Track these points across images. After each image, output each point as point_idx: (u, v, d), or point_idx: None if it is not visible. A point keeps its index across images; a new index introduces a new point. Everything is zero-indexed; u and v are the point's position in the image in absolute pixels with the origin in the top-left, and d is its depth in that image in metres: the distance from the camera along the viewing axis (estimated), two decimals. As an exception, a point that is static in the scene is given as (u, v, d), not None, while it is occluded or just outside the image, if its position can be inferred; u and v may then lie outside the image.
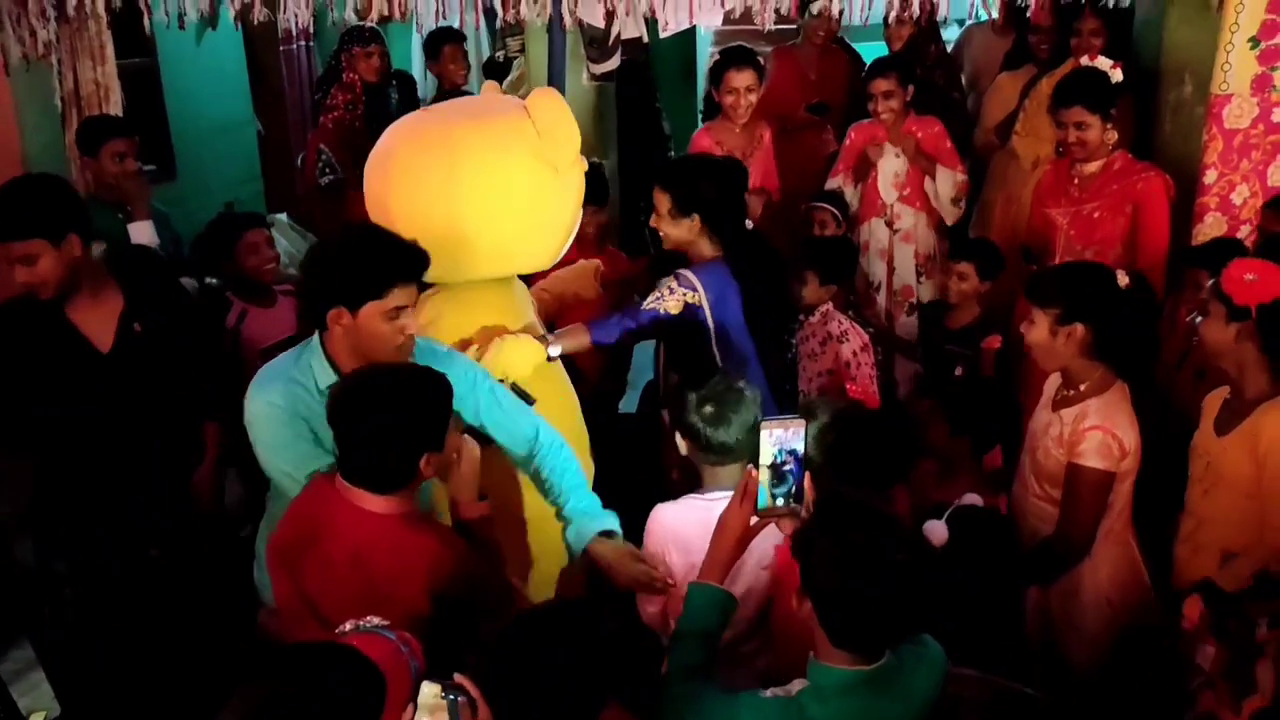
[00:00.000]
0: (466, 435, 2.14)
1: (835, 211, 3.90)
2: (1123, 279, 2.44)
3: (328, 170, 4.34)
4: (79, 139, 3.58)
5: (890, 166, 3.98)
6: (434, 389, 1.95)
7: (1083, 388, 2.46)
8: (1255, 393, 2.41)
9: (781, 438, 1.75)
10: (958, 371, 3.46)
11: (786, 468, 1.76)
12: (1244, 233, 3.38)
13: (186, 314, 2.76)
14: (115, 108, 3.97)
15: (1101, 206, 3.41)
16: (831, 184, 4.09)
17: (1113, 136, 3.38)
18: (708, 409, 2.20)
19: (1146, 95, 3.83)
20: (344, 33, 4.48)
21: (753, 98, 3.81)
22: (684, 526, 2.22)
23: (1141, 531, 2.60)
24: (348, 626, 1.57)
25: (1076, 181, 3.49)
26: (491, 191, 2.41)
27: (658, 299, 2.74)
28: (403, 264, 2.13)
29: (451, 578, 1.93)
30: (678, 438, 2.29)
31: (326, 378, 2.13)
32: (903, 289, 4.08)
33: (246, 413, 2.13)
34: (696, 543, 2.05)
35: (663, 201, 2.80)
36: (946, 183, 3.91)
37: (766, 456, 1.76)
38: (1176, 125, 3.65)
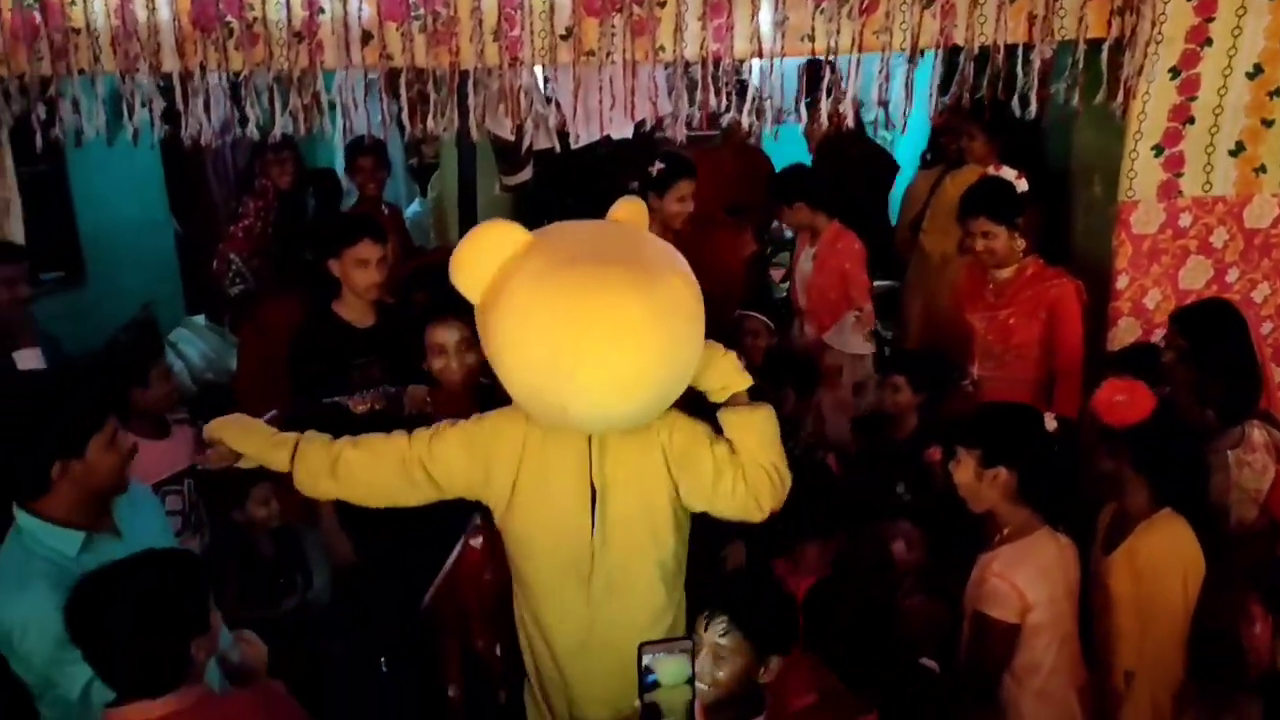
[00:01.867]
0: (248, 633, 1.98)
1: (766, 320, 3.87)
2: (1050, 423, 2.38)
3: (238, 280, 4.23)
4: (-34, 266, 3.43)
5: (802, 267, 4.01)
6: (178, 567, 1.81)
7: (1005, 532, 2.41)
8: (1135, 510, 2.41)
9: (665, 663, 1.60)
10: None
11: (674, 695, 1.61)
12: (1158, 336, 3.38)
13: None
14: (16, 221, 3.82)
15: (1016, 313, 3.42)
16: None
17: (1021, 244, 3.40)
18: None
19: (1058, 197, 3.87)
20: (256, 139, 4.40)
21: (691, 206, 3.85)
22: None
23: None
24: None
25: (991, 287, 3.49)
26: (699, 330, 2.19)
27: None
28: (111, 390, 2.15)
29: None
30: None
31: (71, 542, 1.99)
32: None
33: (17, 629, 1.91)
34: None
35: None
36: (844, 333, 4.04)
37: (651, 682, 1.61)
38: (1088, 227, 3.67)
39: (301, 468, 2.32)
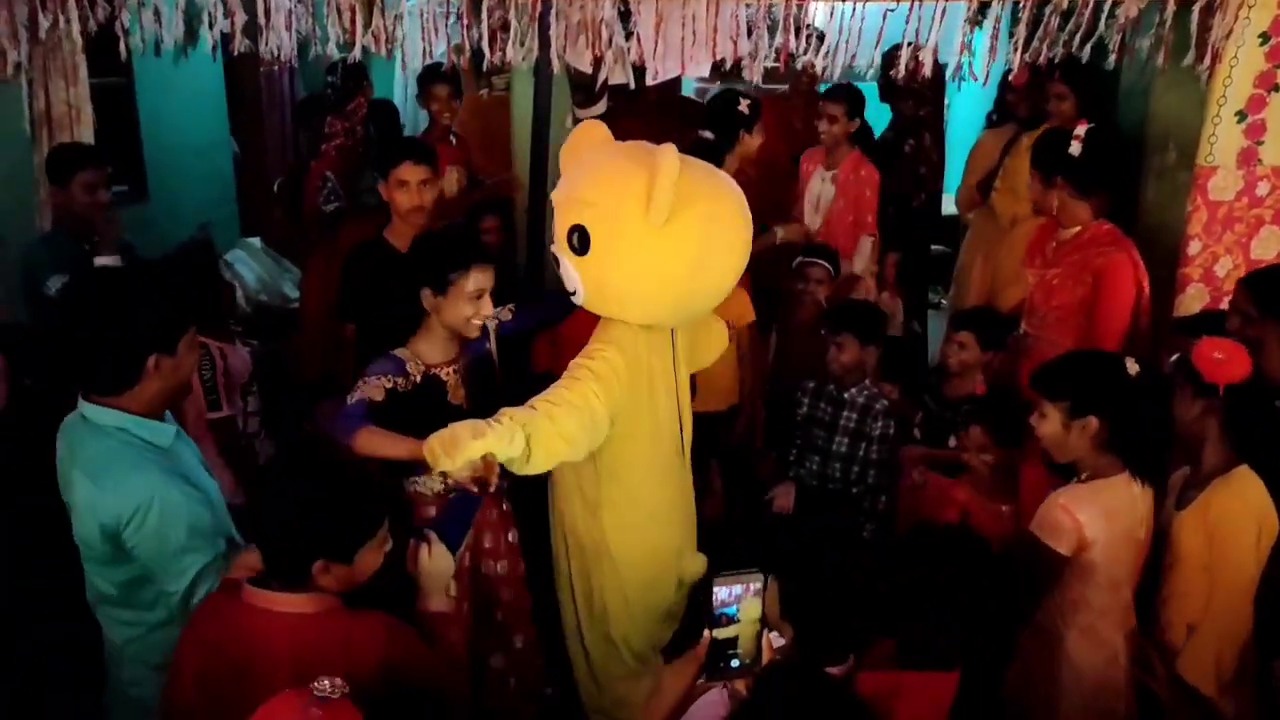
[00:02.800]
0: (432, 544, 2.01)
1: (828, 266, 3.87)
2: (1132, 367, 2.37)
3: (333, 197, 4.25)
4: (49, 167, 3.48)
5: (816, 189, 4.03)
6: (378, 502, 1.85)
7: (1084, 475, 2.44)
8: (1212, 466, 2.43)
9: (735, 594, 1.59)
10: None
11: (746, 630, 1.61)
12: (1226, 304, 3.37)
13: None
14: (87, 128, 3.87)
15: (1061, 274, 3.36)
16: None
17: (1054, 201, 3.35)
18: None
19: (1130, 161, 3.83)
20: (331, 64, 4.43)
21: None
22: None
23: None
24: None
25: (1053, 245, 3.45)
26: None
27: None
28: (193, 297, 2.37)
29: (401, 657, 1.83)
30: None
31: (165, 434, 2.06)
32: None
33: (139, 512, 1.94)
34: None
35: None
36: (863, 258, 4.17)
37: (725, 617, 1.60)
38: (1159, 192, 3.65)
39: (536, 442, 2.29)
